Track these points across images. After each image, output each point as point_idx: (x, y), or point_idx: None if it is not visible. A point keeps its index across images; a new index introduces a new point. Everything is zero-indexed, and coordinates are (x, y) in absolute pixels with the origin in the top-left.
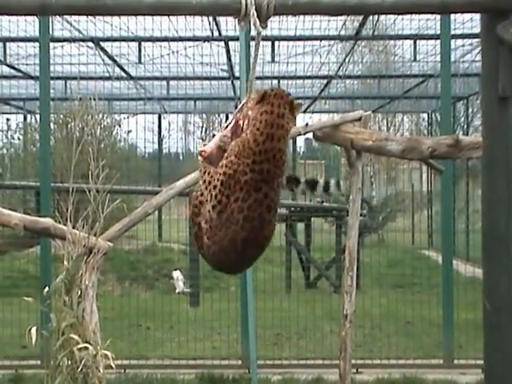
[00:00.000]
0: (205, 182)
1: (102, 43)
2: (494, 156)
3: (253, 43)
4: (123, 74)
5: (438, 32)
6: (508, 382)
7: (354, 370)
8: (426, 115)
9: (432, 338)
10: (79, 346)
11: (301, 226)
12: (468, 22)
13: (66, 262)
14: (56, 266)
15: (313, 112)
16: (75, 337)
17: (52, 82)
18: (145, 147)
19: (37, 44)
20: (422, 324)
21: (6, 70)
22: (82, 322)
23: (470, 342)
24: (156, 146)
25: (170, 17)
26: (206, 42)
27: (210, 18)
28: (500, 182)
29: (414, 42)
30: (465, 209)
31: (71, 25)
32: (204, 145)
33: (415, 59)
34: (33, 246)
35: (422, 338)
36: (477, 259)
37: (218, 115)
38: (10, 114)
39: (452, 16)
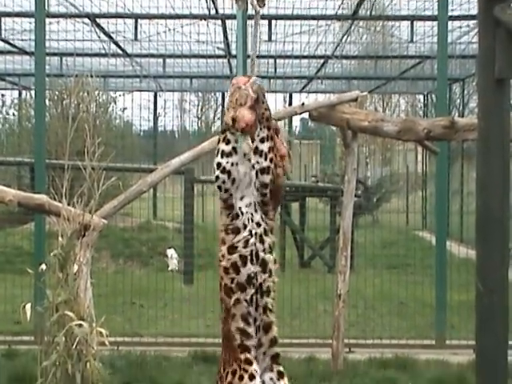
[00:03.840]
0: None
1: (98, 20)
2: (490, 138)
3: (250, 22)
4: (119, 51)
5: (436, 13)
6: (499, 362)
7: (347, 350)
8: (421, 96)
9: (425, 319)
10: (74, 323)
11: (295, 206)
12: (465, 4)
13: (60, 239)
14: (50, 242)
15: (309, 92)
16: (70, 313)
17: (47, 58)
18: (140, 125)
19: (32, 19)
20: (414, 304)
21: (1, 45)
22: (77, 299)
23: (462, 323)
24: (151, 123)
25: None
26: (203, 20)
27: None
28: (495, 164)
29: (412, 23)
30: (459, 190)
31: (67, 0)
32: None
33: (412, 40)
34: (27, 222)
35: (415, 319)
36: (470, 241)
37: (214, 93)
38: (4, 89)
39: None
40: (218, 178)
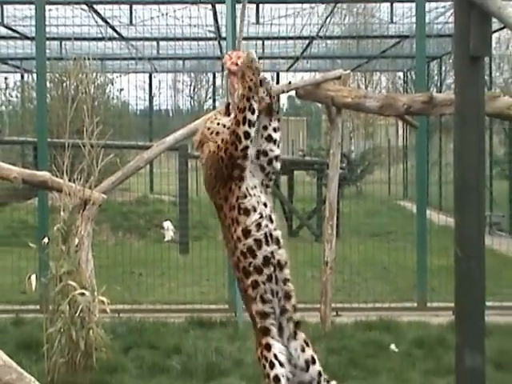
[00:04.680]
0: None
1: (95, 6)
2: (466, 112)
3: (238, 6)
4: (115, 35)
5: None
6: (477, 323)
7: (334, 313)
8: (401, 74)
9: (406, 283)
10: (77, 292)
11: (284, 179)
12: None
13: (62, 213)
14: (53, 216)
15: (295, 71)
16: (73, 283)
17: (48, 42)
18: (136, 104)
19: (33, 6)
20: (397, 269)
21: (3, 30)
22: (79, 270)
23: (442, 286)
24: (147, 103)
25: None
26: (194, 5)
27: None
28: (471, 136)
29: (391, 5)
30: (438, 162)
31: None
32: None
33: (392, 21)
34: (31, 197)
35: (398, 283)
36: (449, 209)
37: (206, 74)
38: (7, 72)
39: None
40: (247, 147)
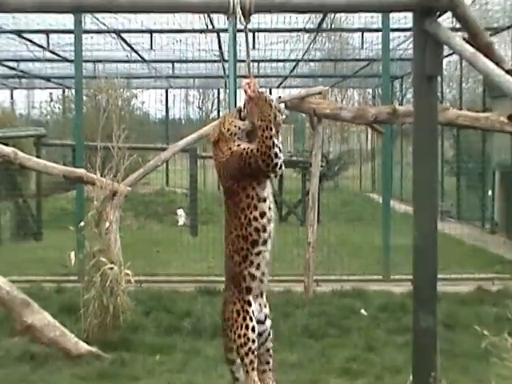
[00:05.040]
0: None
1: (122, 34)
2: (422, 121)
3: (239, 34)
4: (138, 58)
5: (380, 26)
6: (430, 291)
7: (315, 284)
8: (370, 90)
9: (374, 259)
10: (107, 267)
11: None
12: (403, 19)
13: (95, 202)
14: (88, 205)
15: (284, 87)
16: (104, 259)
17: (84, 64)
18: (155, 114)
19: (72, 35)
20: (366, 248)
21: (48, 55)
22: (109, 248)
23: (402, 262)
24: (164, 113)
25: (175, 13)
26: (202, 33)
27: (206, 15)
28: (426, 141)
29: (362, 34)
30: (400, 161)
31: (98, 20)
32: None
33: (362, 47)
34: (70, 189)
35: (367, 259)
36: (408, 200)
37: (212, 89)
38: (52, 89)
39: (391, 14)
40: (276, 164)
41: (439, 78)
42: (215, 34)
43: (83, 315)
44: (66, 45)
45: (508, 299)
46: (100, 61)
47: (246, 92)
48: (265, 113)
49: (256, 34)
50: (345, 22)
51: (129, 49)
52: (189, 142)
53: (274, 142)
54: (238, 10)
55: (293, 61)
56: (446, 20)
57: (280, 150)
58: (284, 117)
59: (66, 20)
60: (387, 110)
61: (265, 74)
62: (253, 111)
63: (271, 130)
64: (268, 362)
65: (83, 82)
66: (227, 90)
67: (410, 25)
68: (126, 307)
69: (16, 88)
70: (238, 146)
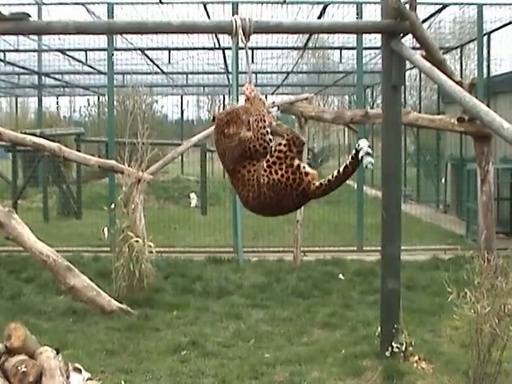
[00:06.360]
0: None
1: (145, 51)
2: (389, 122)
3: (240, 51)
4: (158, 71)
5: (355, 45)
6: (395, 261)
7: (302, 254)
8: (347, 97)
9: (350, 234)
10: (133, 240)
11: None
12: (373, 39)
13: (124, 188)
14: (118, 190)
15: (277, 94)
16: (131, 234)
17: (115, 76)
18: (172, 116)
19: (105, 52)
20: (344, 225)
21: (87, 68)
22: (135, 225)
23: (373, 236)
24: (179, 115)
25: (189, 34)
26: (211, 50)
27: (213, 35)
28: (392, 138)
29: (340, 51)
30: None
31: (127, 40)
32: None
33: (341, 62)
34: (104, 177)
35: (344, 234)
36: (378, 185)
37: (218, 96)
38: (89, 95)
39: (364, 35)
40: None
41: (403, 87)
42: (221, 51)
43: (114, 279)
44: (101, 60)
45: (457, 265)
46: (128, 73)
47: (244, 93)
48: (259, 108)
49: (254, 50)
50: (326, 41)
51: (151, 63)
52: (200, 138)
53: (267, 131)
54: (240, 31)
55: (284, 73)
56: (408, 40)
57: (272, 137)
58: (276, 115)
59: (101, 40)
60: (361, 113)
61: (261, 84)
62: (246, 106)
63: (265, 121)
64: None
65: (114, 90)
66: (231, 96)
67: (379, 44)
68: (149, 272)
69: (60, 95)
70: (243, 133)
